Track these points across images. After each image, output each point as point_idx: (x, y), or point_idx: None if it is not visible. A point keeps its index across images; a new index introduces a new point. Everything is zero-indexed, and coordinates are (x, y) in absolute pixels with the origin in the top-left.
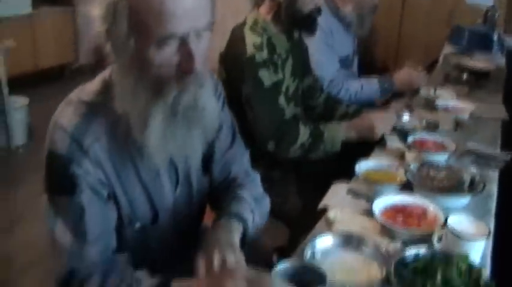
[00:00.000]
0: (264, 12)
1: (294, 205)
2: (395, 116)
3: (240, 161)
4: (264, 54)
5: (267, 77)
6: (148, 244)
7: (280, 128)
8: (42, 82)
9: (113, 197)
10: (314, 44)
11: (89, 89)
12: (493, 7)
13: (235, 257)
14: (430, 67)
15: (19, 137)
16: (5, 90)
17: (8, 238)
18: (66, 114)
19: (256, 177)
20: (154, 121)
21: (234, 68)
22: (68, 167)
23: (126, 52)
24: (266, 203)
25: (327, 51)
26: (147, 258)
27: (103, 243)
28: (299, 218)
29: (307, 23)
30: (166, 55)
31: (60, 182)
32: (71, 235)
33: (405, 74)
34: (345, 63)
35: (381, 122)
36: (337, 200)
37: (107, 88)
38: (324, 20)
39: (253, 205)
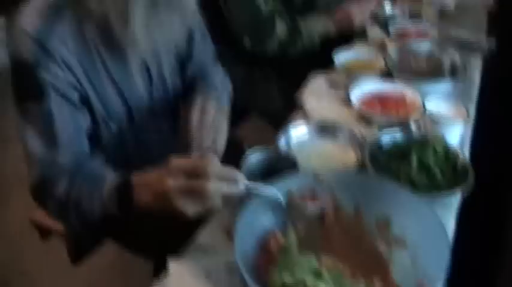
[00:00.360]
0: None
1: (277, 103)
2: (373, 4)
3: (209, 59)
4: None
5: None
6: (126, 146)
7: (255, 23)
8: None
9: (85, 100)
10: None
11: None
12: None
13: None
14: None
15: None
16: None
17: None
18: (28, 17)
19: (219, 66)
20: (135, 13)
21: None
22: (34, 73)
23: None
24: (229, 85)
25: None
26: (126, 162)
27: (74, 149)
28: (283, 115)
29: None
30: None
31: (27, 89)
32: (41, 142)
33: None
34: None
35: (359, 11)
36: (315, 92)
37: None
38: None
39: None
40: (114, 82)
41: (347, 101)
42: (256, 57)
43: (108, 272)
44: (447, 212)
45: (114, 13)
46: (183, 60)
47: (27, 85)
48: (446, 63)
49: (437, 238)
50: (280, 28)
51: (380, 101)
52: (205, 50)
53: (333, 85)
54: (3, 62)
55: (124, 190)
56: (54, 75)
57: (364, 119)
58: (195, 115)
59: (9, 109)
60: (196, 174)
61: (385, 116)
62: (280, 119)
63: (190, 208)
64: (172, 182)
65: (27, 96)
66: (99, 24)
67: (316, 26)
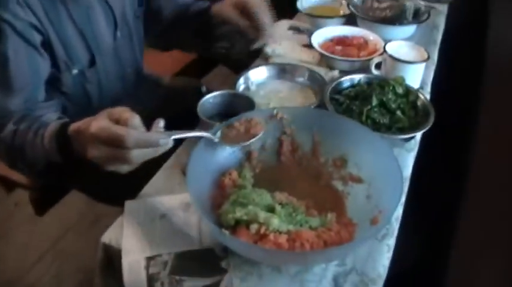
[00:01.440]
0: None
1: (240, 50)
2: None
3: None
4: None
5: None
6: (88, 92)
7: None
8: None
9: (46, 42)
10: None
11: None
12: None
13: None
14: None
15: None
16: None
17: None
18: None
19: None
20: None
21: None
22: None
23: None
24: None
25: None
26: (87, 108)
27: (28, 93)
28: (246, 62)
29: None
30: None
31: None
32: None
33: None
34: None
35: None
36: (279, 36)
37: None
38: None
39: None
40: (75, 24)
41: (309, 45)
42: None
43: (77, 223)
44: (407, 152)
45: None
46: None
47: None
48: (410, 9)
49: (392, 174)
50: None
51: (341, 44)
52: None
53: (295, 30)
54: None
55: (61, 137)
56: (14, 15)
57: (326, 62)
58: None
59: None
60: (115, 142)
61: (346, 59)
62: (242, 65)
63: (118, 169)
64: (94, 152)
65: None
66: None
67: None
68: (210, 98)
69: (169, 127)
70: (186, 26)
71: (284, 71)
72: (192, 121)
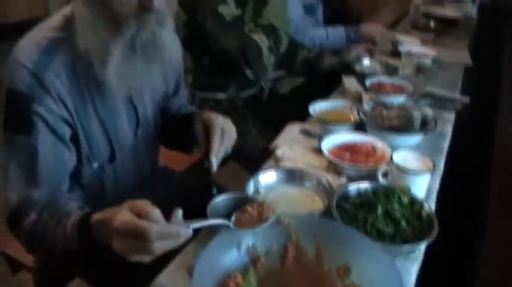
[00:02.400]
0: None
1: (253, 148)
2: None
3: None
4: None
5: (227, 11)
6: (105, 186)
7: (248, 53)
8: (12, 34)
9: (75, 137)
10: None
11: (49, 25)
12: None
13: None
14: (401, 18)
15: None
16: None
17: None
18: (25, 50)
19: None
20: (113, 57)
21: (193, 5)
22: (28, 106)
23: None
24: None
25: None
26: (103, 202)
27: (53, 185)
28: (259, 160)
29: None
30: None
31: (19, 120)
32: (22, 175)
33: (373, 27)
34: (309, 10)
35: None
36: (289, 140)
37: (67, 24)
38: None
39: None
40: (100, 120)
41: (319, 150)
42: (234, 103)
43: None
44: (410, 262)
45: (95, 52)
46: (165, 103)
47: (19, 117)
48: (417, 118)
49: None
50: (262, 40)
51: (350, 151)
52: (183, 94)
53: (306, 134)
54: None
55: (83, 227)
56: (48, 110)
57: (334, 168)
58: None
59: None
60: (139, 236)
61: (353, 166)
62: (255, 163)
63: (141, 260)
64: (119, 245)
65: (17, 127)
66: (87, 61)
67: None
68: (220, 200)
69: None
70: (174, 126)
71: (293, 175)
72: (204, 211)
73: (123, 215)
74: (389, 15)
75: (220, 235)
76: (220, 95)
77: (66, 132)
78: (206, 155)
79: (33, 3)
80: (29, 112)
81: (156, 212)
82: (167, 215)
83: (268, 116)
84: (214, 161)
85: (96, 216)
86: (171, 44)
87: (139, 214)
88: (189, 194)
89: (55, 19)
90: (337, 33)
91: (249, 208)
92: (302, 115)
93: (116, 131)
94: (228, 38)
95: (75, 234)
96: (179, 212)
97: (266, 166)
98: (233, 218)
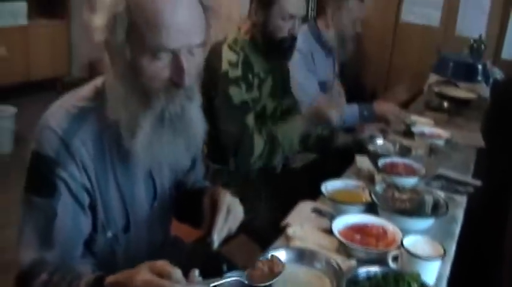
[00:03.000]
0: (244, 32)
1: (264, 222)
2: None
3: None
4: (238, 71)
5: (236, 94)
6: (115, 252)
7: (238, 144)
8: (34, 93)
9: (93, 205)
10: (295, 67)
11: (80, 94)
12: (479, 38)
13: None
14: (415, 96)
15: (6, 145)
16: None
17: None
18: (56, 116)
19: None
20: (142, 129)
21: (209, 82)
22: (53, 170)
23: (121, 61)
24: None
25: (307, 74)
26: (112, 268)
27: (66, 248)
28: (269, 235)
29: (281, 50)
30: (158, 67)
31: (42, 183)
32: (37, 237)
33: (385, 106)
34: (324, 87)
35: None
36: (300, 218)
37: (98, 95)
38: (306, 44)
39: None
40: (119, 189)
41: (330, 230)
42: (247, 178)
43: None
44: None
45: (125, 123)
46: (183, 178)
47: (42, 179)
48: (429, 202)
49: None
50: (259, 145)
51: (361, 233)
52: (199, 169)
53: (318, 213)
54: (7, 147)
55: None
56: (71, 176)
57: (344, 249)
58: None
59: (6, 196)
60: None
61: (364, 248)
62: (265, 239)
63: None
64: None
65: (40, 190)
66: (114, 131)
67: (292, 131)
68: (228, 281)
69: None
70: (186, 200)
71: (303, 255)
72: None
73: (144, 275)
74: (404, 93)
75: None
76: (233, 168)
77: (86, 200)
78: (209, 232)
79: (56, 63)
80: (53, 176)
81: (178, 272)
82: None
83: (280, 191)
84: (216, 238)
85: (110, 278)
86: (197, 119)
87: (160, 274)
88: (198, 265)
89: (86, 89)
90: (350, 111)
91: (260, 264)
92: (314, 192)
93: (133, 202)
94: (229, 122)
95: None
96: (196, 272)
97: (277, 245)
98: (246, 273)
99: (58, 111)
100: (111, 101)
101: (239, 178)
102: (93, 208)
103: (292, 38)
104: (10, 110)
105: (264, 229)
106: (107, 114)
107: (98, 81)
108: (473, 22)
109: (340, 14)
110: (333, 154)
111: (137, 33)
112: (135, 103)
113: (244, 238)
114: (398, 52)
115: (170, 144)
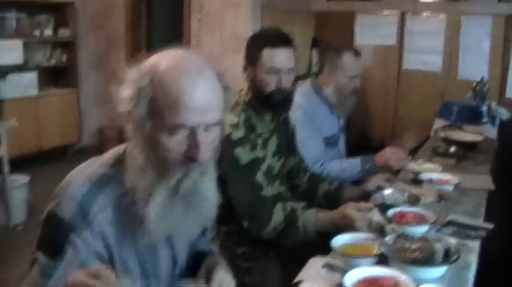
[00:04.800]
0: (244, 93)
1: (275, 281)
2: (374, 212)
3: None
4: (240, 132)
5: (243, 154)
6: None
7: (255, 206)
8: (45, 161)
9: (110, 266)
10: (298, 125)
11: (102, 161)
12: (481, 81)
13: None
14: (423, 143)
15: (18, 215)
16: (6, 169)
17: None
18: (77, 181)
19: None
20: (156, 198)
21: None
22: (67, 234)
23: (142, 132)
24: None
25: (311, 131)
26: None
27: None
28: None
29: (272, 104)
30: (176, 142)
31: (51, 243)
32: None
33: (386, 155)
34: (330, 142)
35: (360, 218)
36: (312, 274)
37: (119, 162)
38: (308, 101)
39: None
40: (138, 254)
41: (342, 285)
42: (258, 235)
43: None
44: None
45: (141, 191)
46: (193, 247)
47: (52, 240)
48: (440, 250)
49: None
50: (278, 218)
51: (373, 286)
52: (210, 234)
53: (329, 268)
54: (20, 217)
55: None
56: (84, 242)
57: None
58: None
59: (18, 267)
60: None
61: None
62: None
63: None
64: None
65: (46, 249)
66: (131, 198)
67: (313, 222)
68: None
69: None
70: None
71: None
72: None
73: (76, 275)
74: (411, 141)
75: None
76: (245, 229)
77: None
78: None
79: (66, 132)
80: (65, 240)
81: (111, 275)
82: None
83: (289, 249)
84: None
85: None
86: (211, 193)
87: (95, 276)
88: None
89: (108, 156)
90: (352, 165)
91: None
92: (324, 246)
93: (152, 267)
94: (239, 184)
95: None
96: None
97: None
98: None
99: (80, 176)
100: (130, 169)
101: (249, 238)
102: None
103: (281, 91)
104: (23, 179)
105: None
106: (125, 181)
107: (120, 148)
108: (475, 65)
109: (336, 71)
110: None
111: (158, 109)
112: (152, 174)
113: None
114: (402, 101)
115: (182, 217)
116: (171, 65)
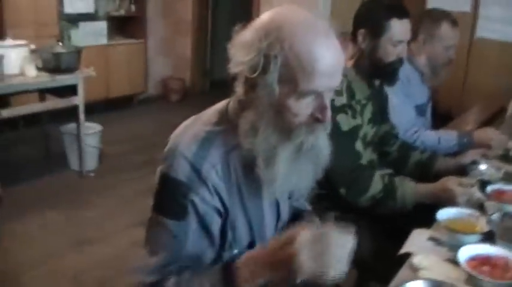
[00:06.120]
0: (346, 58)
1: (365, 248)
2: (475, 188)
3: None
4: (343, 99)
5: (344, 121)
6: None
7: (354, 174)
8: (112, 109)
9: (222, 225)
10: (392, 92)
11: (205, 119)
12: None
13: None
14: (496, 115)
15: (91, 162)
16: (82, 116)
17: (76, 258)
18: (185, 141)
19: None
20: (280, 159)
21: None
22: (186, 195)
23: (269, 98)
24: None
25: (404, 99)
26: None
27: (189, 264)
28: (370, 262)
29: (388, 73)
30: (303, 105)
31: (173, 207)
32: (162, 255)
33: (488, 134)
34: (420, 110)
35: (462, 192)
36: (419, 247)
37: (222, 120)
38: (402, 69)
39: None
40: (245, 211)
41: (453, 260)
42: (350, 205)
43: None
44: None
45: (263, 156)
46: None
47: (173, 203)
48: None
49: None
50: (377, 187)
51: (487, 264)
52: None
53: (435, 242)
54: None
55: (228, 270)
56: (202, 199)
57: (473, 282)
58: None
59: (89, 213)
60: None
61: (496, 281)
62: (365, 264)
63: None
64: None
65: (170, 213)
66: (246, 159)
67: (412, 194)
68: None
69: None
70: None
71: None
72: None
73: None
74: (481, 113)
75: None
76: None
77: (214, 222)
78: None
79: (133, 81)
80: (185, 200)
81: None
82: None
83: (380, 218)
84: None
85: (241, 259)
86: (326, 145)
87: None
88: None
89: (210, 114)
90: (449, 138)
91: None
92: (416, 217)
93: (259, 224)
94: (340, 150)
95: (219, 277)
96: None
97: (402, 275)
98: None
99: (186, 137)
100: (243, 132)
101: (341, 204)
102: (223, 229)
103: (400, 61)
104: (96, 127)
105: (366, 256)
106: (240, 142)
107: (219, 105)
108: None
109: (432, 41)
110: (433, 180)
111: (290, 76)
112: (275, 136)
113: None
114: (473, 71)
115: (304, 172)
116: (301, 31)
